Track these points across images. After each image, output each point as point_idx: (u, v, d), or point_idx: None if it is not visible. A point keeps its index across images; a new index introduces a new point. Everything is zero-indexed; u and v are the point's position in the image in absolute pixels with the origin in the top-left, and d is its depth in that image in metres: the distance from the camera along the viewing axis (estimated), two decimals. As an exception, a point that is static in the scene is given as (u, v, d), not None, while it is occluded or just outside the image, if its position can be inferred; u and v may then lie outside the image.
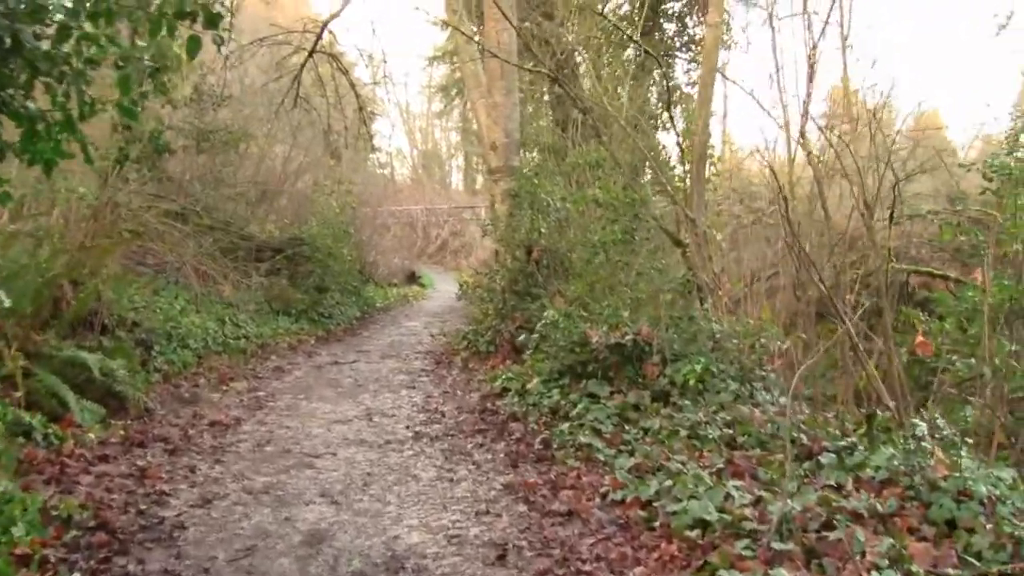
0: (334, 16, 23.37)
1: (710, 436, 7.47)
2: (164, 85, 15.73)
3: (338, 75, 26.49)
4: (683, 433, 7.64)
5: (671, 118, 14.36)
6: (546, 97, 22.31)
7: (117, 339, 10.60)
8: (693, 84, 24.29)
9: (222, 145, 19.55)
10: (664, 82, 23.24)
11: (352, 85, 25.97)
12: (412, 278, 34.19)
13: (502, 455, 7.91)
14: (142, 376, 10.10)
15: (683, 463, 6.85)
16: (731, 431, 7.67)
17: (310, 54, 24.43)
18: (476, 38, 16.06)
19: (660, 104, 23.25)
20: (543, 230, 13.12)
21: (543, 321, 10.21)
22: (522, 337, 11.26)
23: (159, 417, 9.00)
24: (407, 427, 8.93)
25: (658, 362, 8.98)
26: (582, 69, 20.39)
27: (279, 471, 7.28)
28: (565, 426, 8.21)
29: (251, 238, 17.40)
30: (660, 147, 15.09)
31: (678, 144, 11.09)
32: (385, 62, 50.73)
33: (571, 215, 13.09)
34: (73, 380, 8.70)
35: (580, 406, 8.58)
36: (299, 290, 17.16)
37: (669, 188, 10.68)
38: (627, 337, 9.08)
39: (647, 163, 13.95)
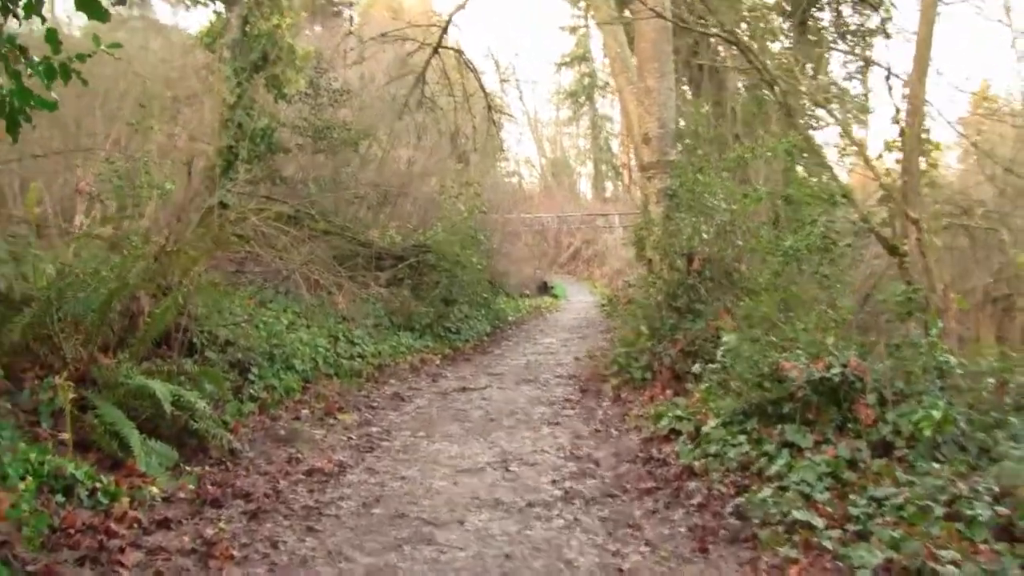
0: (460, 7, 21.71)
1: (979, 517, 5.22)
2: (276, 78, 14.20)
3: (465, 75, 24.92)
4: (937, 510, 5.40)
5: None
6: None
7: (206, 361, 8.90)
8: (851, 78, 21.80)
9: (340, 144, 17.96)
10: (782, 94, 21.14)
11: (480, 84, 24.31)
12: (544, 288, 32.38)
13: (683, 529, 5.82)
14: (233, 406, 8.37)
15: (955, 563, 4.69)
16: (1005, 508, 5.37)
17: (435, 49, 22.85)
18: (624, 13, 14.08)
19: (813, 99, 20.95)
20: (705, 235, 11.00)
21: (722, 347, 8.04)
22: (696, 367, 9.15)
23: (246, 461, 7.19)
24: (553, 481, 6.89)
25: (873, 403, 6.77)
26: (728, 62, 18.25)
27: (388, 547, 5.36)
28: (766, 492, 6.04)
29: (371, 245, 15.67)
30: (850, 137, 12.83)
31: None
32: (515, 63, 49.09)
33: (736, 218, 10.95)
34: (142, 415, 6.98)
35: (779, 461, 6.43)
36: (423, 302, 15.36)
37: (880, 181, 8.36)
38: (833, 370, 6.89)
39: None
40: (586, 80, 62.53)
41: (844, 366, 6.93)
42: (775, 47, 21.80)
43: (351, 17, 22.04)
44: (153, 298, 8.38)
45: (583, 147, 65.92)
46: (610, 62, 13.42)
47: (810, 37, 20.57)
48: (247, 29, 16.26)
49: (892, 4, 21.03)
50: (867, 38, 21.21)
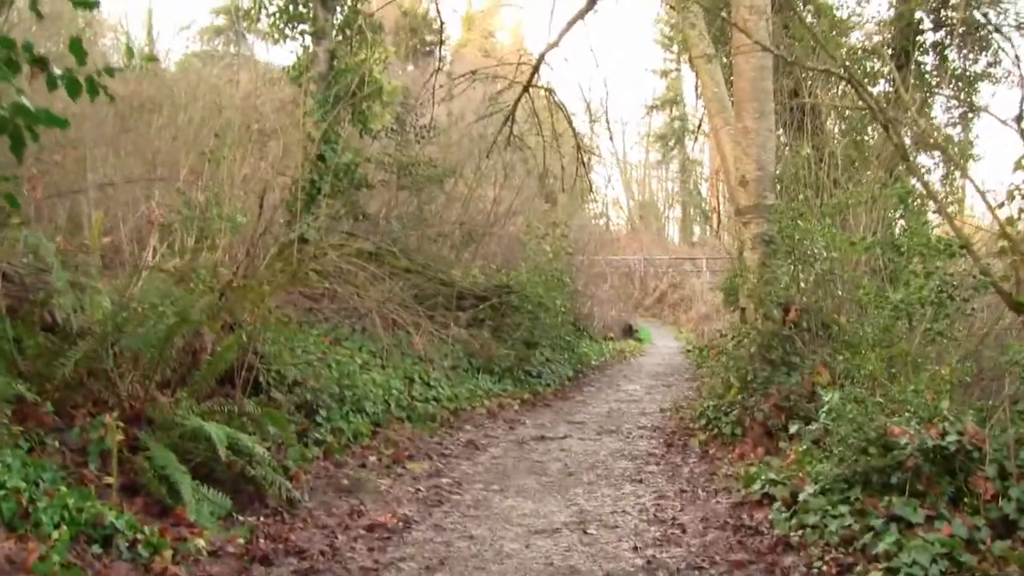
0: (552, 46, 21.21)
1: None
2: (362, 113, 13.90)
3: (555, 114, 24.53)
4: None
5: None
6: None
7: (271, 401, 8.47)
8: (954, 124, 20.88)
9: (425, 181, 17.62)
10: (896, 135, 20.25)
11: (570, 123, 23.85)
12: (629, 331, 31.65)
13: (780, 612, 5.16)
14: (295, 451, 7.89)
15: None
16: None
17: (525, 88, 22.42)
18: (721, 57, 13.47)
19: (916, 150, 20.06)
20: (803, 284, 10.31)
21: (824, 407, 7.31)
22: (791, 425, 8.45)
23: (304, 512, 6.68)
24: (634, 548, 6.23)
25: (993, 475, 6.01)
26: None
27: (450, 621, 4.79)
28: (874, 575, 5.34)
29: (452, 284, 15.21)
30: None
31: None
32: (605, 104, 48.69)
33: (836, 267, 10.24)
34: (196, 458, 6.55)
35: (888, 538, 5.68)
36: (504, 344, 14.83)
37: (1003, 232, 7.54)
38: (949, 438, 6.15)
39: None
40: (676, 123, 62.13)
41: (960, 433, 6.20)
42: (875, 90, 21.08)
43: (441, 55, 21.72)
44: (219, 334, 7.98)
45: (671, 190, 65.40)
46: (705, 102, 12.86)
47: (912, 81, 19.75)
48: (335, 63, 16.07)
49: (1000, 47, 20.22)
50: (973, 83, 20.33)
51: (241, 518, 6.26)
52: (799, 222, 10.15)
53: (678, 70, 62.40)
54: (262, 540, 5.90)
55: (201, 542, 5.59)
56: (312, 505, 6.87)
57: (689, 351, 27.46)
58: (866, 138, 19.51)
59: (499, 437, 10.46)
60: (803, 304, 10.08)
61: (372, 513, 6.80)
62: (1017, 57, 19.89)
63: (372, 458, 8.55)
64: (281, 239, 15.04)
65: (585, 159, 24.78)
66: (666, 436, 10.79)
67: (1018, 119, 7.36)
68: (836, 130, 18.17)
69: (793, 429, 8.84)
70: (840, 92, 19.43)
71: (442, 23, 19.57)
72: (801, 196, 11.09)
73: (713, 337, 30.44)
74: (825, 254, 10.18)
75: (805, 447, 7.85)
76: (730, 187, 12.25)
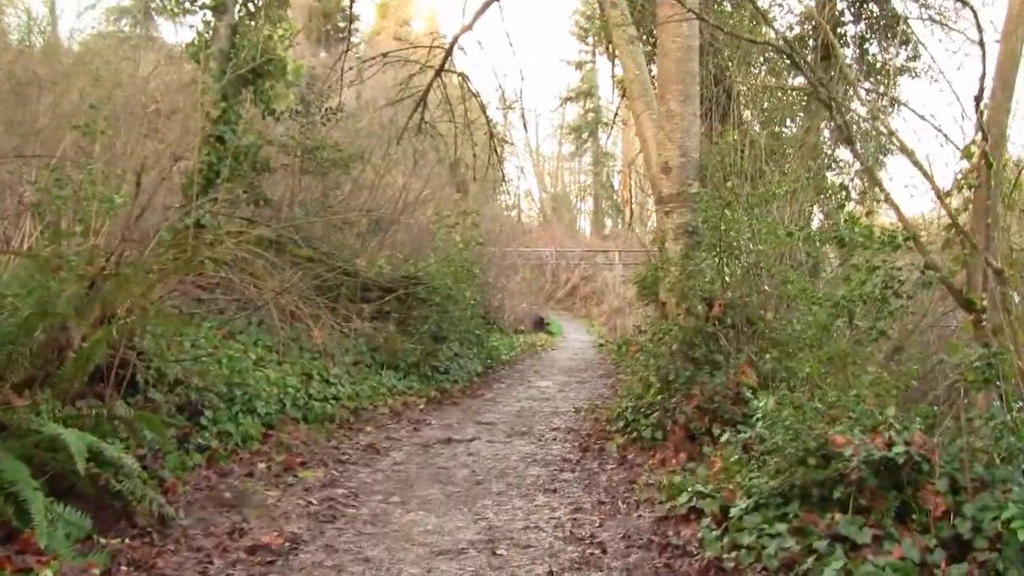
0: (466, 29, 20.53)
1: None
2: (265, 93, 13.05)
3: (468, 102, 23.86)
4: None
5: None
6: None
7: (149, 402, 7.68)
8: (874, 118, 20.64)
9: (331, 165, 16.78)
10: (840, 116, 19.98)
11: (484, 110, 23.18)
12: (540, 324, 31.23)
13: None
14: (174, 459, 7.13)
15: None
16: None
17: (438, 72, 21.71)
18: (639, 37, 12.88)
19: (834, 142, 19.86)
20: (729, 278, 9.79)
21: (757, 411, 6.75)
22: (716, 428, 7.94)
23: (178, 532, 5.91)
24: (550, 572, 5.57)
25: (944, 490, 5.52)
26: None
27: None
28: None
29: (357, 274, 14.44)
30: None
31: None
32: (519, 94, 48.10)
33: (763, 259, 9.76)
34: (55, 471, 5.76)
35: (834, 563, 5.14)
36: (410, 339, 14.11)
37: (953, 223, 7.04)
38: (896, 449, 5.64)
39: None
40: (590, 116, 62.02)
41: (908, 443, 5.69)
42: (797, 80, 20.84)
43: (351, 31, 20.92)
44: (90, 329, 7.15)
45: (584, 183, 65.26)
46: (626, 85, 12.29)
47: (831, 74, 19.51)
48: (236, 39, 15.17)
49: (920, 42, 20.10)
50: (893, 76, 20.20)
51: (103, 540, 5.48)
52: (726, 211, 9.62)
53: (593, 62, 62.37)
54: (124, 567, 5.15)
55: (49, 573, 4.83)
56: (188, 523, 6.10)
57: (602, 345, 27.10)
58: (784, 130, 19.28)
59: (402, 440, 9.75)
60: (728, 299, 9.56)
61: (256, 532, 6.05)
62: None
63: (261, 465, 7.79)
64: (176, 224, 14.18)
65: (498, 148, 24.18)
66: (581, 439, 10.16)
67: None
68: (755, 121, 17.84)
69: (718, 434, 8.37)
70: (763, 78, 19.12)
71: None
72: (729, 184, 10.55)
73: (628, 332, 30.21)
74: (751, 246, 9.70)
75: (735, 456, 7.30)
76: (651, 175, 11.71)
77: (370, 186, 19.47)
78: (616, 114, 25.78)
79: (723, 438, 7.97)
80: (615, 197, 62.23)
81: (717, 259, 9.75)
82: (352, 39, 24.81)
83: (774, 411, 6.48)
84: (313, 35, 37.40)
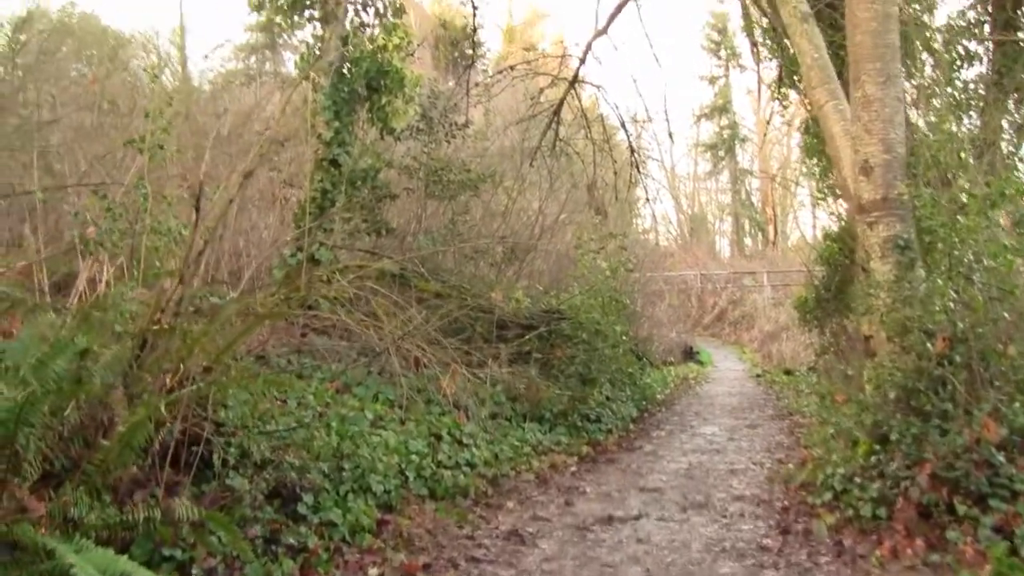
0: (599, 34, 18.73)
1: None
2: (382, 110, 11.30)
3: (602, 117, 22.05)
4: None
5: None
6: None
7: (227, 491, 5.92)
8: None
9: (459, 188, 15.07)
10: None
11: (622, 122, 21.27)
12: (689, 354, 29.00)
13: None
14: (256, 569, 5.32)
15: None
16: None
17: (572, 83, 19.98)
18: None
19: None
20: (952, 305, 7.49)
21: None
22: (962, 506, 5.80)
23: None
24: None
25: None
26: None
27: None
28: None
29: (491, 310, 12.59)
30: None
31: None
32: (653, 111, 45.84)
33: (997, 279, 7.51)
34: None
35: None
36: (555, 383, 12.14)
37: None
38: None
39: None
40: (726, 132, 59.83)
41: None
42: (970, 72, 18.33)
43: (475, 42, 19.26)
44: (133, 402, 5.43)
45: (722, 202, 62.86)
46: (804, 72, 10.09)
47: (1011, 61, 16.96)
48: (348, 51, 13.65)
49: None
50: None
51: None
52: (959, 218, 7.39)
53: (726, 76, 59.99)
54: None
55: None
56: None
57: (759, 376, 24.72)
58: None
59: (552, 520, 7.71)
60: (957, 332, 7.31)
61: None
62: None
63: (372, 571, 5.90)
64: (287, 260, 12.68)
65: (640, 165, 22.21)
66: (776, 514, 7.92)
67: None
68: (920, 120, 15.46)
69: (963, 512, 6.23)
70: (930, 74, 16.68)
71: (475, 7, 16.96)
72: (962, 182, 8.32)
73: (785, 359, 27.71)
74: (986, 262, 7.45)
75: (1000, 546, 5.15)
76: (842, 178, 9.45)
77: (503, 211, 17.70)
78: (769, 121, 23.41)
79: (984, 522, 5.86)
80: (756, 215, 59.59)
81: (945, 281, 7.49)
82: (479, 55, 23.28)
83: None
84: (441, 63, 36.28)
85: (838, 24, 11.66)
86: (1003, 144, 15.62)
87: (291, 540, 5.85)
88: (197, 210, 6.22)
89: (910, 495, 6.79)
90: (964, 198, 7.86)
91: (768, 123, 23.25)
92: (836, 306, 18.14)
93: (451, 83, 21.43)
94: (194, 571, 4.98)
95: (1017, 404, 6.93)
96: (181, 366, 5.97)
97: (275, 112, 16.43)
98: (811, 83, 10.01)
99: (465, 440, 9.28)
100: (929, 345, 7.32)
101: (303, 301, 11.62)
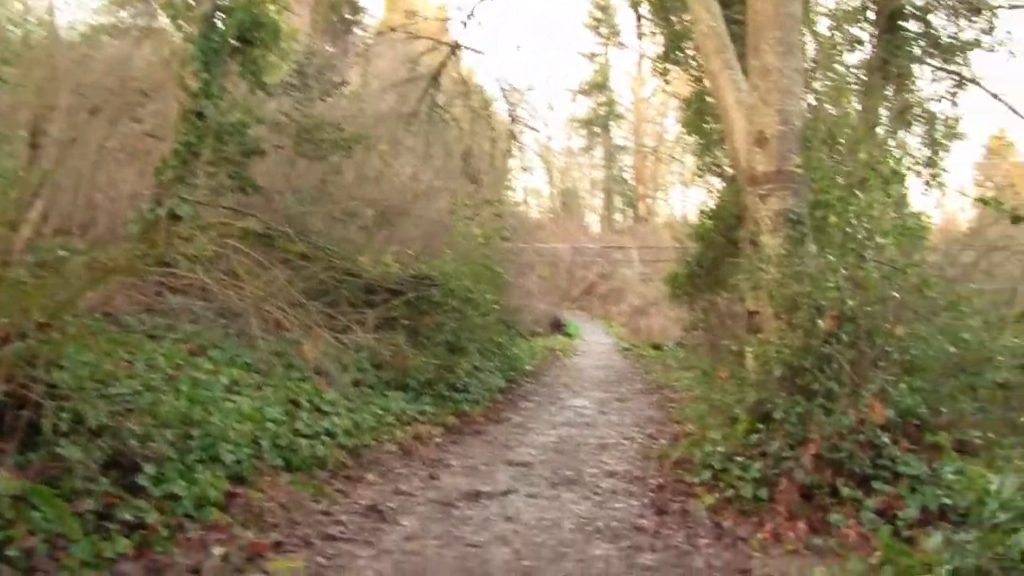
0: (483, -3, 18.43)
1: None
2: (255, 63, 10.65)
3: (480, 87, 21.76)
4: None
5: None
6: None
7: (57, 460, 5.39)
8: (941, 99, 18.32)
9: (331, 147, 14.47)
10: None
11: (503, 90, 21.00)
12: (557, 326, 29.03)
13: None
14: (84, 548, 4.84)
15: None
16: None
17: (453, 48, 19.63)
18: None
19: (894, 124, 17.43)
20: (840, 281, 7.36)
21: (992, 496, 4.45)
22: (846, 488, 5.64)
23: None
24: None
25: None
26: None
27: None
28: None
29: (359, 274, 12.11)
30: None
31: None
32: (531, 84, 45.55)
33: (896, 260, 7.46)
34: None
35: None
36: (423, 351, 11.77)
37: None
38: None
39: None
40: (602, 109, 60.10)
41: None
42: (854, 58, 18.56)
43: (354, 5, 18.74)
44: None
45: (596, 178, 63.24)
46: (699, 40, 9.88)
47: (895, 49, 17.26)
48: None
49: (994, 13, 17.78)
50: (962, 52, 17.88)
51: None
52: (857, 192, 7.27)
53: (606, 54, 60.13)
54: None
55: None
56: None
57: (627, 349, 24.82)
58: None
59: (415, 495, 7.34)
60: (845, 310, 7.20)
61: None
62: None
63: (216, 551, 5.44)
64: (146, 215, 11.98)
65: (518, 134, 21.99)
66: (652, 493, 7.66)
67: None
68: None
69: (847, 494, 6.14)
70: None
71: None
72: (863, 155, 8.21)
73: (654, 334, 27.91)
74: (879, 239, 7.36)
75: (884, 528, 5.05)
76: (735, 150, 9.27)
77: (376, 175, 17.18)
78: (651, 96, 23.42)
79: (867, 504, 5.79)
80: (628, 191, 60.16)
81: (839, 257, 7.36)
82: (358, 20, 22.66)
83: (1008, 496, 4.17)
84: (320, 26, 35.40)
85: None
86: (879, 130, 15.86)
87: (127, 515, 5.35)
88: (33, 147, 5.62)
89: (794, 476, 6.65)
90: (865, 173, 7.75)
91: (651, 97, 23.17)
92: (708, 282, 18.23)
93: (329, 47, 20.81)
94: (10, 552, 4.47)
95: (903, 385, 6.88)
96: (10, 320, 5.42)
97: (141, 63, 15.61)
98: (706, 51, 9.80)
99: (325, 408, 8.85)
100: (820, 322, 7.19)
101: (160, 258, 11.00)
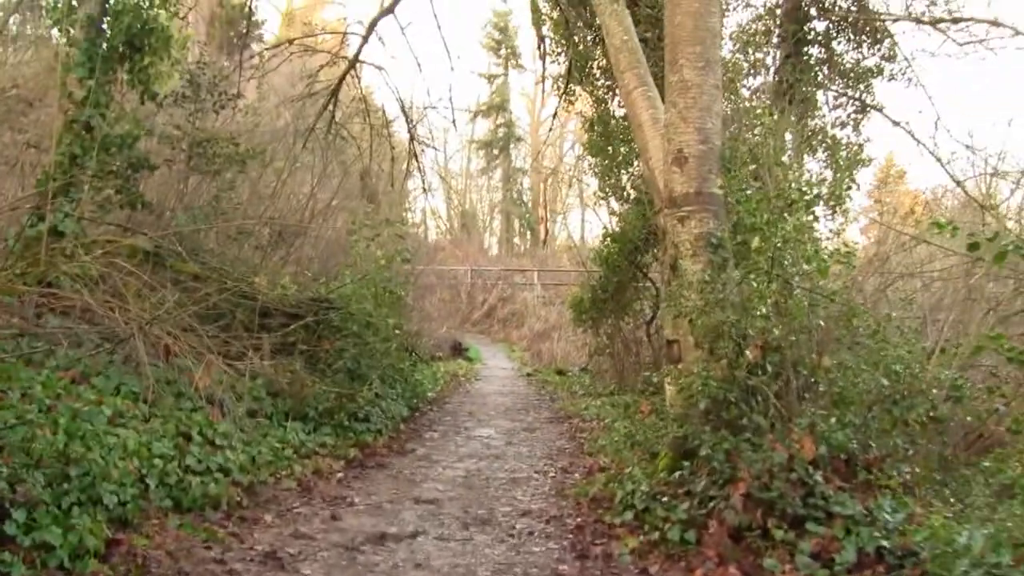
0: (385, 13, 17.91)
1: None
2: (144, 71, 10.02)
3: (377, 105, 21.26)
4: None
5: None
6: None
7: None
8: (843, 125, 18.47)
9: (225, 162, 13.83)
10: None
11: (403, 108, 20.48)
12: (458, 350, 28.51)
13: None
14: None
15: None
16: None
17: (352, 63, 19.08)
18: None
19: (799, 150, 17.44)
20: (765, 310, 7.04)
21: (943, 544, 4.12)
22: (779, 531, 5.28)
23: None
24: None
25: None
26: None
27: None
28: None
29: (254, 297, 11.50)
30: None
31: None
32: (428, 106, 45.19)
33: (814, 285, 7.20)
34: None
35: None
36: (322, 379, 11.19)
37: None
38: None
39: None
40: (501, 131, 60.05)
41: None
42: (756, 81, 18.61)
43: (251, 10, 18.07)
44: None
45: (494, 200, 63.08)
46: (612, 55, 9.53)
47: (796, 74, 17.31)
48: (109, 4, 12.23)
49: (895, 42, 17.96)
50: (865, 78, 18.03)
51: None
52: (786, 216, 6.97)
53: (505, 75, 60.08)
54: None
55: None
56: None
57: (530, 374, 24.45)
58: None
59: (316, 538, 6.77)
60: (770, 339, 6.89)
61: None
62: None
63: (93, 608, 4.86)
64: (27, 231, 11.22)
65: (418, 152, 21.50)
66: (570, 534, 7.18)
67: None
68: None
69: (780, 537, 5.79)
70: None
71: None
72: (792, 176, 7.93)
73: (556, 359, 27.62)
74: (805, 266, 7.07)
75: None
76: (650, 170, 8.89)
77: (271, 193, 16.54)
78: (555, 116, 23.15)
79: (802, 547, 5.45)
80: (527, 214, 60.04)
81: (766, 284, 7.04)
82: (254, 34, 21.97)
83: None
84: (215, 42, 34.51)
85: (640, 17, 11.29)
86: (785, 157, 15.82)
87: (-7, 567, 4.74)
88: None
89: (724, 517, 6.27)
90: (792, 196, 7.45)
91: (555, 117, 22.91)
92: (612, 307, 18.03)
93: (225, 62, 20.08)
94: None
95: (833, 420, 6.57)
96: None
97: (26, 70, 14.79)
98: (619, 67, 9.44)
99: (219, 441, 8.22)
100: (749, 353, 6.85)
101: (41, 276, 10.28)
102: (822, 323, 7.03)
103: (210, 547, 6.19)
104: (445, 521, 7.51)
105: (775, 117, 9.14)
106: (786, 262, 7.12)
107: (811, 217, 7.51)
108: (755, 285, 7.14)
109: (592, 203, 42.45)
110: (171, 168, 13.84)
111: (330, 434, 10.52)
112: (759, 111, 9.49)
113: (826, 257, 7.37)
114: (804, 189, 7.55)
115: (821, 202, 7.64)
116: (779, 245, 7.03)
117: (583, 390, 18.79)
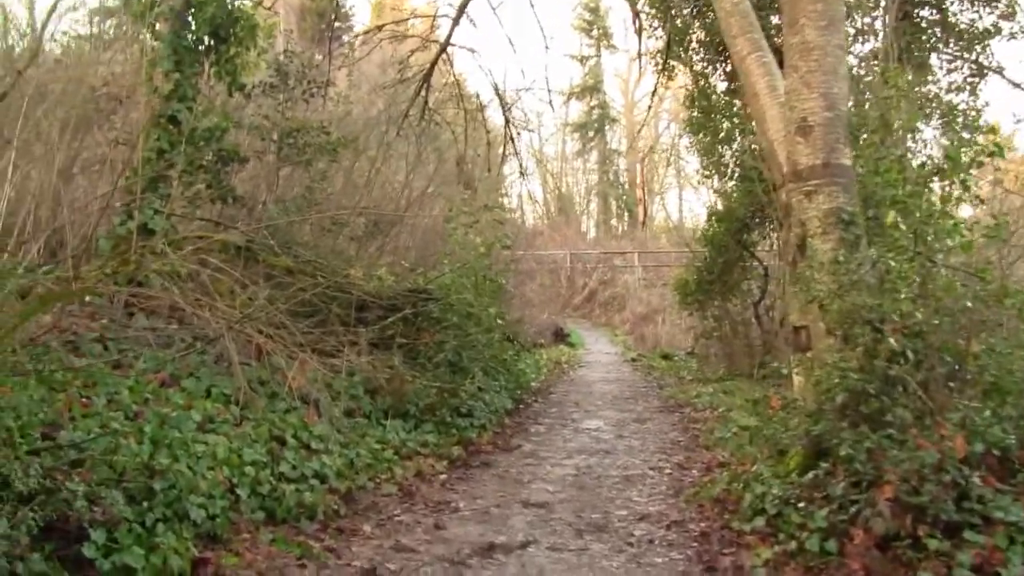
0: (475, -7, 17.39)
1: None
2: (231, 62, 9.62)
3: (471, 90, 20.78)
4: None
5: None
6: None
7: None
8: (959, 89, 17.26)
9: (316, 152, 13.44)
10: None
11: (496, 90, 19.97)
12: (559, 336, 27.93)
13: None
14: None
15: None
16: None
17: (444, 46, 18.63)
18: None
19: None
20: (906, 293, 6.23)
21: None
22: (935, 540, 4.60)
23: None
24: None
25: None
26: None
27: None
28: None
29: (350, 290, 11.05)
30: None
31: None
32: (522, 90, 44.60)
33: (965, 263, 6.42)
34: None
35: None
36: (422, 373, 10.71)
37: None
38: None
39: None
40: (596, 112, 59.18)
41: None
42: (864, 47, 17.55)
43: (338, 8, 17.75)
44: None
45: (590, 182, 62.18)
46: (723, 20, 8.78)
47: (908, 36, 16.26)
48: (191, -6, 11.92)
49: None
50: (981, 40, 16.88)
51: None
52: (932, 187, 6.20)
53: (598, 56, 59.15)
54: None
55: None
56: None
57: (634, 360, 23.77)
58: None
59: (419, 551, 6.22)
60: (910, 324, 6.11)
61: None
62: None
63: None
64: (117, 230, 10.98)
65: (514, 135, 20.98)
66: (695, 542, 6.55)
67: None
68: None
69: (935, 548, 5.05)
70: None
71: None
72: (948, 141, 7.18)
73: (661, 343, 26.86)
74: (950, 241, 6.30)
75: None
76: (768, 141, 8.14)
77: (365, 182, 16.16)
78: (655, 92, 22.40)
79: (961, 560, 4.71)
80: (625, 196, 59.07)
81: (909, 263, 6.25)
82: (345, 24, 21.63)
83: None
84: (307, 35, 34.57)
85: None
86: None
87: (66, 600, 4.30)
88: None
89: (871, 525, 5.51)
90: (941, 163, 6.66)
91: (653, 94, 22.15)
92: (719, 288, 17.30)
93: (317, 55, 19.82)
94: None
95: (988, 412, 5.78)
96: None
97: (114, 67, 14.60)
98: (731, 31, 8.70)
99: (314, 444, 7.77)
100: (892, 340, 6.08)
101: (131, 276, 9.98)
102: (969, 304, 6.23)
103: (304, 564, 5.68)
104: (557, 528, 6.91)
105: (909, 78, 8.25)
106: (929, 238, 6.33)
107: (961, 185, 6.67)
108: (894, 264, 6.35)
109: (694, 181, 41.43)
110: (261, 160, 13.54)
111: (432, 432, 10.02)
112: (891, 72, 8.55)
113: (967, 232, 6.56)
114: (964, 150, 6.70)
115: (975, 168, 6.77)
116: (923, 219, 6.25)
117: (691, 375, 18.09)
